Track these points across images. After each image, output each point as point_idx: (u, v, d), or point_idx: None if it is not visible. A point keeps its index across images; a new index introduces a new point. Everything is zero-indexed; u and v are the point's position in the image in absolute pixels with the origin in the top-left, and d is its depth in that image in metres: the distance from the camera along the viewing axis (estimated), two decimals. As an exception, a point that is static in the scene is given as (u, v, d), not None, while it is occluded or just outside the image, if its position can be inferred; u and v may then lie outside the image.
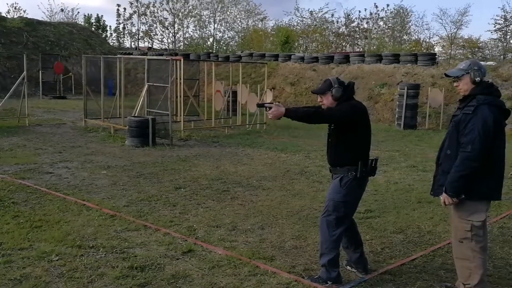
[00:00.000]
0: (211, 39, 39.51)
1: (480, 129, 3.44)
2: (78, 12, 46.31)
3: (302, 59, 22.70)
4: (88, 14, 39.35)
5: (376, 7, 38.06)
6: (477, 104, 3.52)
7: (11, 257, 4.38)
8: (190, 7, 39.60)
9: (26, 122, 13.62)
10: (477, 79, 3.61)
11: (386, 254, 4.84)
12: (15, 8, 39.58)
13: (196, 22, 39.82)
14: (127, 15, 40.52)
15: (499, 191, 3.66)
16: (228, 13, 40.44)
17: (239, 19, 41.15)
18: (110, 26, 41.11)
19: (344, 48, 35.79)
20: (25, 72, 13.61)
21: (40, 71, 23.08)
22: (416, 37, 38.01)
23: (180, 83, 13.38)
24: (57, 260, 4.36)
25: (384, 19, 37.34)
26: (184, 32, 41.00)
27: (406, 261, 4.65)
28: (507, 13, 33.61)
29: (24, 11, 44.70)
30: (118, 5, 41.19)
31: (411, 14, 39.11)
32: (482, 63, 4.21)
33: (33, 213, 5.74)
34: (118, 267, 4.26)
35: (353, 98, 4.05)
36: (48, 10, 44.99)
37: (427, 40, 38.60)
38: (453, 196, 3.57)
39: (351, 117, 3.91)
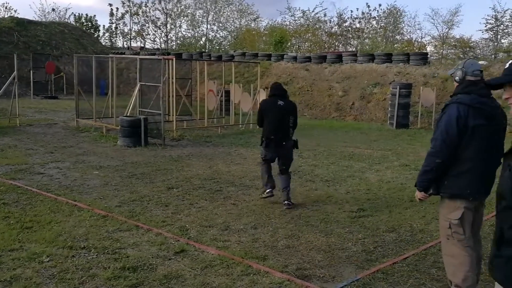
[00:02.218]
0: (203, 39, 39.47)
1: (443, 126, 3.49)
2: (68, 11, 45.95)
3: (295, 58, 22.70)
4: (78, 13, 39.04)
5: (368, 6, 38.23)
6: (448, 103, 3.57)
7: (1, 259, 4.34)
8: (183, 7, 39.56)
9: (17, 122, 13.52)
10: (456, 78, 3.65)
11: (378, 253, 4.85)
12: (5, 8, 39.38)
13: (188, 21, 39.75)
14: (119, 14, 40.37)
15: (475, 190, 3.54)
16: (221, 12, 40.40)
17: (231, 18, 41.13)
18: (103, 26, 40.98)
19: (336, 47, 35.82)
20: (15, 72, 13.52)
21: (31, 71, 22.91)
22: (409, 37, 38.17)
23: (173, 82, 13.33)
24: (48, 261, 4.33)
25: (377, 18, 37.47)
26: (177, 31, 40.93)
27: (398, 259, 4.67)
28: (497, 13, 33.77)
29: (15, 11, 44.35)
30: (110, 5, 41.15)
31: (404, 15, 39.29)
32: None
33: (24, 213, 5.69)
34: (110, 267, 4.23)
35: (273, 96, 6.60)
36: (39, 10, 44.49)
37: (419, 39, 38.76)
38: (420, 190, 3.71)
39: (259, 111, 6.66)
